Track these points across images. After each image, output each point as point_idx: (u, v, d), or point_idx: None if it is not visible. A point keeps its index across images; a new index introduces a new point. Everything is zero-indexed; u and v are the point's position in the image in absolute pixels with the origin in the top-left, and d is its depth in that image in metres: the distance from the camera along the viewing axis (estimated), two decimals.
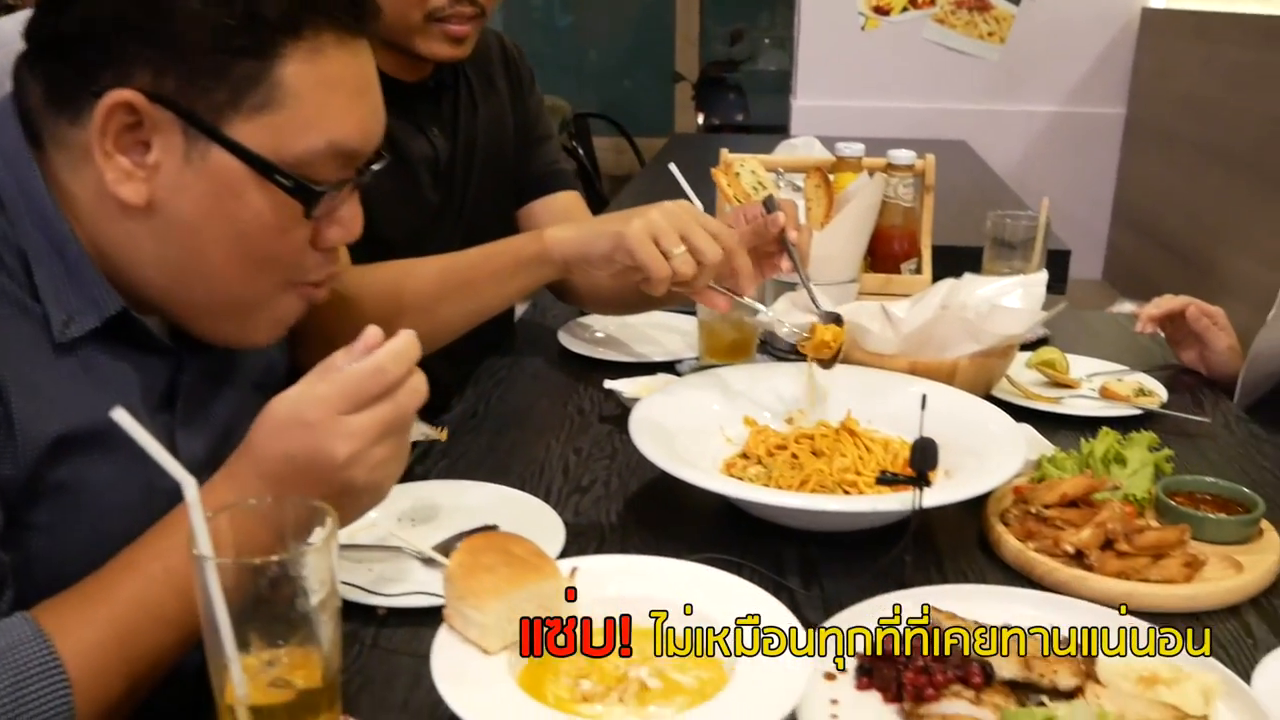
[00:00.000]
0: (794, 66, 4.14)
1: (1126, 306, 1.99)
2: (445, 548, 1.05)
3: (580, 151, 4.15)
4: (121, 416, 0.70)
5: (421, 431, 0.93)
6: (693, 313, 1.68)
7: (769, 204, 1.39)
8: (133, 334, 0.97)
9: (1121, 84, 4.03)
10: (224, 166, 0.90)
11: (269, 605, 0.76)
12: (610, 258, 1.35)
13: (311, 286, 1.01)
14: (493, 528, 1.13)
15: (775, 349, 1.66)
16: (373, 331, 0.87)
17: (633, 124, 5.73)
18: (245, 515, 0.80)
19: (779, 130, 4.56)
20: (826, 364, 1.33)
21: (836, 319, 1.34)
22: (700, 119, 6.87)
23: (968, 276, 1.57)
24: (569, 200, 1.83)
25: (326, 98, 0.92)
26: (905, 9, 3.98)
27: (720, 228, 1.33)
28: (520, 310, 2.01)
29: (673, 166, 1.63)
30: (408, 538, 1.09)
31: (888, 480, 1.01)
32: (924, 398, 1.00)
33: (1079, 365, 1.63)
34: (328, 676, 0.77)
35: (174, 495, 0.80)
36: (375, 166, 1.00)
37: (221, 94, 0.89)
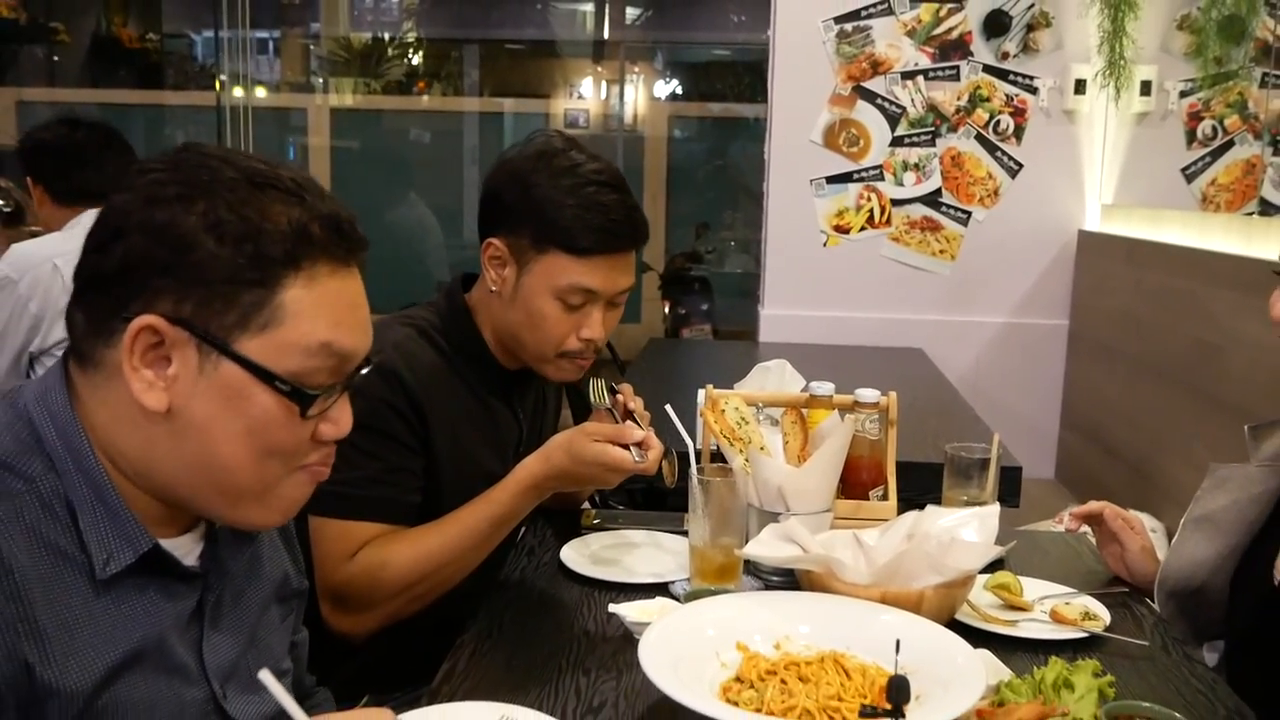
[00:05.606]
0: (761, 278, 4.45)
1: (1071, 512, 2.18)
2: None
3: None
4: (265, 677, 0.86)
5: None
6: (682, 534, 1.86)
7: (611, 389, 1.87)
8: (163, 564, 1.12)
9: (1064, 298, 4.37)
10: (232, 375, 1.07)
11: None
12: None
13: (315, 466, 1.17)
14: None
15: (759, 571, 1.84)
16: None
17: None
18: None
19: (747, 336, 4.85)
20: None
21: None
22: (666, 309, 7.14)
23: (930, 509, 1.77)
24: None
25: (320, 314, 1.10)
26: (863, 228, 4.33)
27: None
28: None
29: (669, 408, 1.85)
30: None
31: (868, 713, 1.18)
32: (898, 642, 1.17)
33: (1031, 587, 1.81)
34: None
35: (201, 705, 1.06)
36: (364, 370, 1.17)
37: (231, 317, 1.06)
